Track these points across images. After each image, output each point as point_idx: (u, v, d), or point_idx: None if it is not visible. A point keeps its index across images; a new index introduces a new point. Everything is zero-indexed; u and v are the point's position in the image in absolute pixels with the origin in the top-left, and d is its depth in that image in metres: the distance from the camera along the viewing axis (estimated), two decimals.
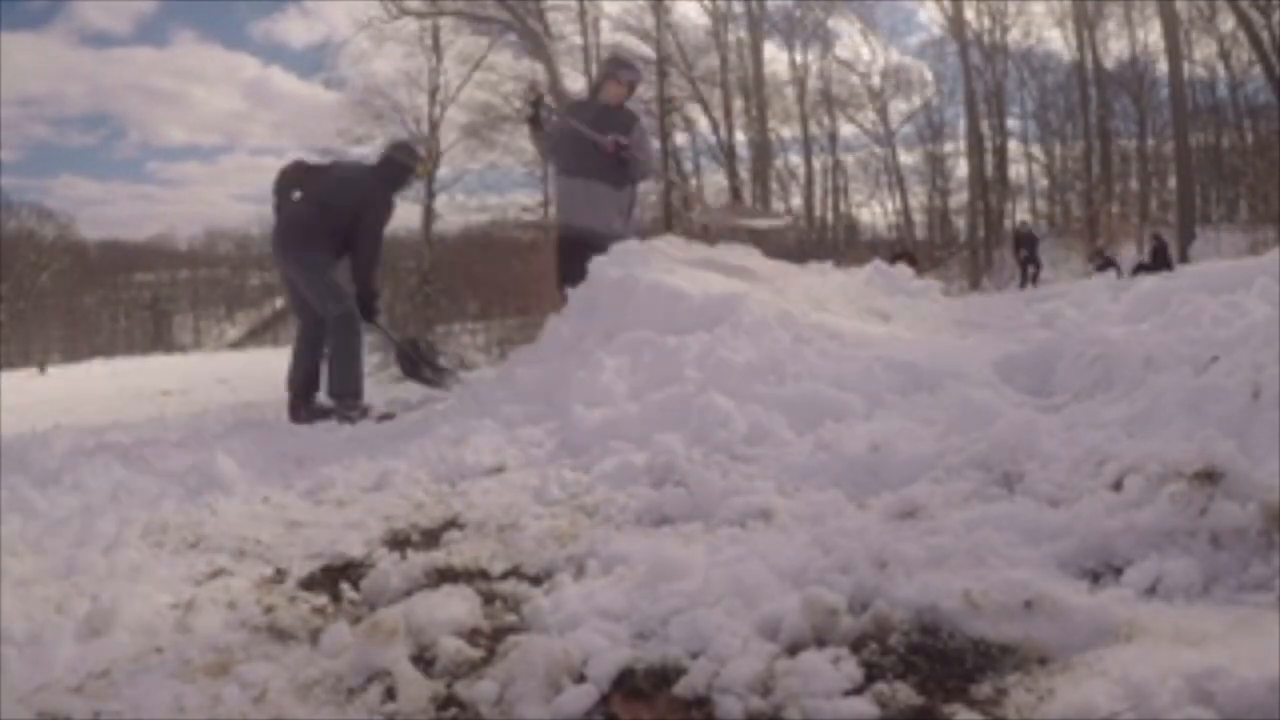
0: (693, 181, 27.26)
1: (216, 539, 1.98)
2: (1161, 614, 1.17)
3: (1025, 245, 18.59)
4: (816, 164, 29.66)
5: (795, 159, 29.38)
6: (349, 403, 3.95)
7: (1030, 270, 18.17)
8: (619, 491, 2.08)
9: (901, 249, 18.13)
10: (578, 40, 24.61)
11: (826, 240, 27.48)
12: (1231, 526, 1.29)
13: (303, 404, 4.10)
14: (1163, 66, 23.56)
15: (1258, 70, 22.99)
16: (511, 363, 3.64)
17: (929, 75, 28.58)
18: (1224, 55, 25.02)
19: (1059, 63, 27.73)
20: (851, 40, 28.41)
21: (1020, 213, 26.84)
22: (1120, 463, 1.62)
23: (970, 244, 26.63)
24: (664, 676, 1.20)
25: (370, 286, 4.20)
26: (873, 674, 1.14)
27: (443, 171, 24.76)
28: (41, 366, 27.52)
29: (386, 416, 3.78)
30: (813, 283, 4.38)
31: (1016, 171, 28.94)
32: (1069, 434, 1.94)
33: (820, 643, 1.23)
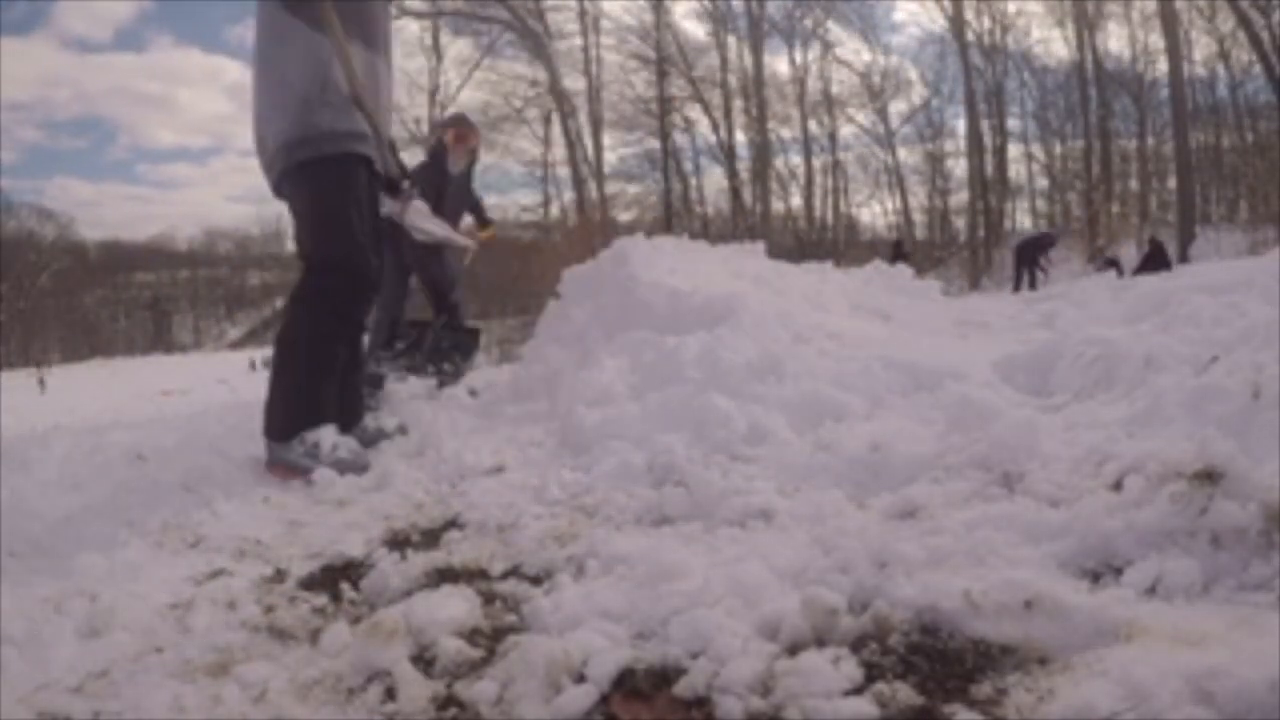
0: (693, 181, 27.24)
1: (216, 539, 1.97)
2: (1161, 614, 1.17)
3: (1037, 249, 17.92)
4: (816, 164, 29.67)
5: (795, 159, 29.40)
6: None
7: (1028, 275, 17.65)
8: (619, 491, 2.08)
9: (900, 249, 17.95)
10: (578, 41, 24.64)
11: (826, 240, 27.47)
12: (1231, 526, 1.28)
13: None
14: (1163, 66, 23.60)
15: (1258, 70, 23.02)
16: (524, 363, 3.64)
17: (926, 75, 28.58)
18: (1224, 55, 25.03)
19: (1059, 63, 27.73)
20: (850, 40, 28.41)
21: (1020, 213, 26.85)
22: (1120, 463, 1.62)
23: (970, 244, 26.64)
24: (664, 676, 1.19)
25: None
26: (873, 674, 1.13)
27: None
28: (41, 382, 26.34)
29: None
30: (813, 283, 4.39)
31: (1016, 171, 28.94)
32: (1069, 434, 1.94)
33: (820, 643, 1.22)
